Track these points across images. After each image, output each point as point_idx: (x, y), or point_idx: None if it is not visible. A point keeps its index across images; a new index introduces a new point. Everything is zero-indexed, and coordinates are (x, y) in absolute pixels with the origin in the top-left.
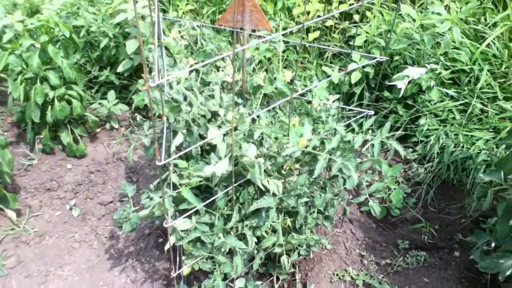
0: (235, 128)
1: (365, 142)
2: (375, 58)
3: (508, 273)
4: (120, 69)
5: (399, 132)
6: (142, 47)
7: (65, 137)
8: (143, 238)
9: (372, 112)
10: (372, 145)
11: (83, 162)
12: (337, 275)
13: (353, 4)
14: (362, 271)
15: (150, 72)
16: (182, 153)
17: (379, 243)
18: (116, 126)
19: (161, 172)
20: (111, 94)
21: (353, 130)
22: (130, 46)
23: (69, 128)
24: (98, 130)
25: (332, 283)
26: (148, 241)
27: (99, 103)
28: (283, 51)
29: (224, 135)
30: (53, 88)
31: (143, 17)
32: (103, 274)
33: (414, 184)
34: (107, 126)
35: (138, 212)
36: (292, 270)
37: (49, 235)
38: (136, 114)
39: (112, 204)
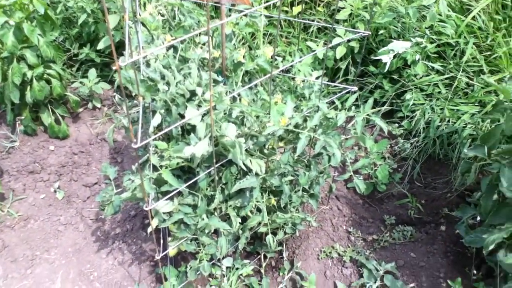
0: (214, 107)
1: (351, 118)
2: (358, 32)
3: (491, 247)
4: (100, 46)
5: (385, 107)
6: (127, 21)
7: (47, 118)
8: (129, 219)
9: (356, 88)
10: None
11: (66, 143)
12: (324, 252)
13: None
14: (349, 247)
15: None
16: (159, 134)
17: (365, 219)
18: (99, 105)
19: (143, 153)
20: (92, 73)
21: (337, 107)
22: (110, 21)
23: (50, 108)
24: (80, 110)
25: (319, 260)
26: (134, 223)
27: (80, 82)
28: (266, 26)
29: (204, 114)
30: (31, 67)
31: None
32: (90, 256)
33: (400, 160)
34: (90, 105)
35: (121, 194)
36: (279, 248)
37: (34, 218)
38: (115, 94)
39: (97, 185)
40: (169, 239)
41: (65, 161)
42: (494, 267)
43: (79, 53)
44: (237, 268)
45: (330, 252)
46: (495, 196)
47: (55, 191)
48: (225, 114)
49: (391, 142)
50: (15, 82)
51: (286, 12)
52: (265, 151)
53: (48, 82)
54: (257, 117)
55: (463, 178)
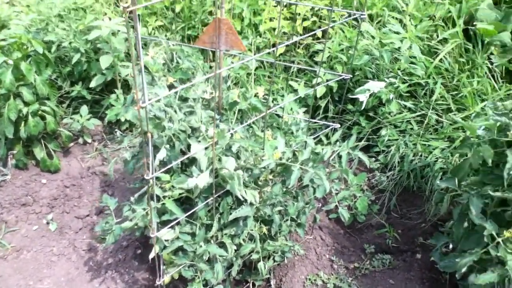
0: (216, 143)
1: (333, 152)
2: (340, 75)
3: (463, 270)
4: (93, 84)
5: (362, 143)
6: (134, 63)
7: (39, 152)
8: (121, 250)
9: (339, 126)
10: (339, 156)
11: (58, 177)
12: (309, 279)
13: (315, 21)
14: (332, 275)
15: (129, 89)
16: (168, 167)
17: (347, 248)
18: (89, 140)
19: (139, 185)
20: (84, 109)
21: (320, 141)
22: (104, 61)
23: (42, 143)
24: (71, 144)
25: (305, 287)
26: (126, 253)
27: (71, 118)
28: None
29: (205, 148)
30: (26, 104)
31: (113, 33)
32: (83, 286)
33: (377, 192)
34: (80, 140)
35: (121, 224)
36: (267, 276)
37: (27, 249)
38: (116, 130)
39: (89, 217)
40: (164, 267)
41: (57, 193)
42: None
43: (71, 90)
44: None
45: (315, 280)
46: (466, 224)
47: (47, 223)
48: (222, 148)
49: (369, 175)
50: (11, 118)
51: (269, 53)
52: (259, 182)
53: (43, 118)
54: (251, 151)
55: (437, 208)
